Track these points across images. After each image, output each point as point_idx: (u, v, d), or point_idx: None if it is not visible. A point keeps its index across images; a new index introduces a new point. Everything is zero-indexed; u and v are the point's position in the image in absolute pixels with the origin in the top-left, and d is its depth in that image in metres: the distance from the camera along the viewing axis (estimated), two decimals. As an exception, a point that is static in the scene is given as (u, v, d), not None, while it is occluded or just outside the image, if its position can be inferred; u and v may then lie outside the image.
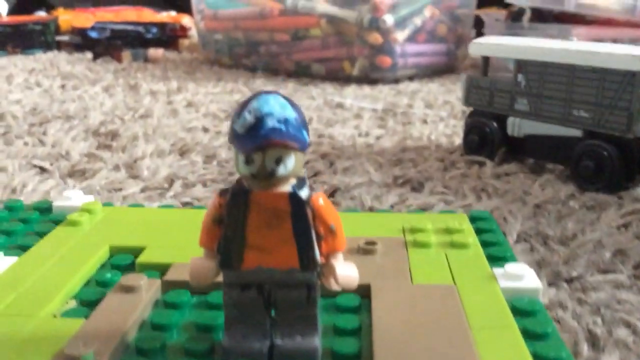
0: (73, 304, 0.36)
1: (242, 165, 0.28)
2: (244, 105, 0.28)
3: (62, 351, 0.29)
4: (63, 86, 1.28)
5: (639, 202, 0.59)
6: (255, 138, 0.27)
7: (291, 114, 0.28)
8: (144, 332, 0.33)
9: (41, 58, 1.73)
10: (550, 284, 0.44)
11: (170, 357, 0.31)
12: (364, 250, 0.42)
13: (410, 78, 1.44)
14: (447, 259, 0.41)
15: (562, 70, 0.67)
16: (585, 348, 0.35)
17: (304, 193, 0.29)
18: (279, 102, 0.28)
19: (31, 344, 0.31)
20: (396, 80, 1.40)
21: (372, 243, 0.42)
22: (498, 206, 0.58)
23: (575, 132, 0.67)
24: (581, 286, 0.43)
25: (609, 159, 0.63)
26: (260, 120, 0.27)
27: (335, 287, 0.30)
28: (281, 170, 0.28)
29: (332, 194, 0.63)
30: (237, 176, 0.30)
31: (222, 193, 0.30)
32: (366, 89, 1.30)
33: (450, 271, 0.39)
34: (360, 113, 1.05)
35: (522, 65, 0.70)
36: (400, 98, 1.20)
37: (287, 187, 0.29)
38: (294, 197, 0.29)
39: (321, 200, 0.30)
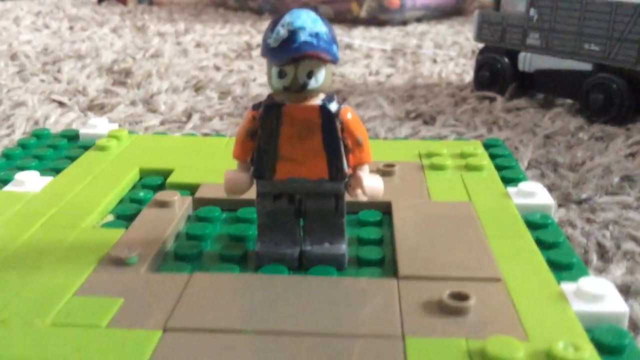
0: (110, 217, 0.38)
1: (276, 79, 0.30)
2: (277, 20, 0.29)
3: (108, 255, 0.32)
4: (71, 28, 1.28)
5: (646, 133, 0.61)
6: (289, 51, 0.28)
7: (322, 28, 0.29)
8: (180, 241, 0.35)
9: (46, 1, 1.72)
10: (560, 205, 0.46)
11: (207, 262, 0.33)
12: (383, 172, 0.43)
13: (418, 20, 1.43)
14: (462, 179, 0.43)
15: (573, 4, 0.67)
16: (594, 258, 0.37)
17: (333, 107, 0.31)
18: (310, 17, 0.29)
19: (77, 250, 0.33)
20: (404, 22, 1.40)
21: (391, 165, 0.44)
22: (509, 137, 0.60)
23: (586, 66, 0.68)
24: (590, 207, 0.45)
25: (618, 92, 0.64)
26: (293, 33, 0.28)
27: (361, 197, 0.32)
28: (312, 83, 0.29)
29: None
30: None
31: (256, 107, 0.31)
32: (374, 31, 1.30)
33: (466, 190, 0.41)
34: (369, 53, 1.06)
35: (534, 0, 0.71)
36: (408, 39, 1.20)
37: (317, 101, 0.30)
38: (324, 109, 0.30)
39: (349, 114, 0.31)
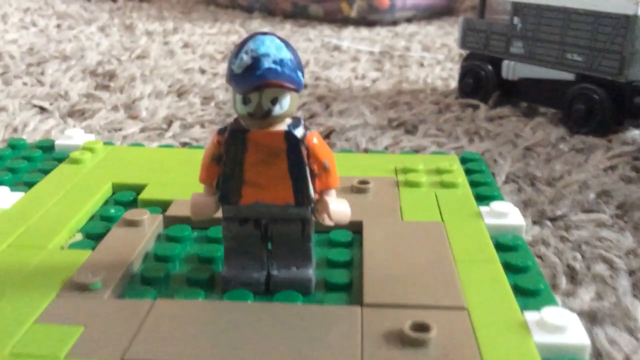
0: (79, 237, 0.38)
1: (240, 105, 0.29)
2: (241, 46, 0.29)
3: (71, 280, 0.31)
4: (59, 26, 1.27)
5: (627, 145, 0.61)
6: (252, 78, 0.28)
7: (286, 55, 0.29)
8: (148, 262, 0.35)
9: (35, -3, 1.70)
10: (535, 222, 0.46)
11: (174, 286, 0.33)
12: (357, 189, 0.43)
13: (409, 20, 1.43)
14: (436, 197, 0.43)
15: (557, 14, 0.67)
16: (563, 281, 0.37)
17: (299, 132, 0.30)
18: (274, 44, 0.29)
19: (42, 273, 0.32)
20: (394, 23, 1.39)
21: (365, 182, 0.44)
22: (489, 148, 0.60)
23: (568, 76, 0.67)
24: (564, 225, 0.45)
25: (600, 103, 0.64)
26: (256, 60, 0.28)
27: (328, 222, 0.32)
28: (277, 109, 0.29)
29: (327, 135, 0.64)
30: (234, 117, 0.31)
31: (221, 131, 0.31)
32: (364, 32, 1.30)
33: (439, 209, 0.41)
34: (357, 56, 1.06)
35: (518, 8, 0.71)
36: (397, 40, 1.20)
37: (282, 126, 0.30)
38: (289, 135, 0.30)
39: (315, 139, 0.31)
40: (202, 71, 0.91)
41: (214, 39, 1.17)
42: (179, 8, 1.57)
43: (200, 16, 1.45)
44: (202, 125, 0.66)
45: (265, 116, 0.29)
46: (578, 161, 0.57)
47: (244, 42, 0.29)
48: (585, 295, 0.36)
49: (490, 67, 0.74)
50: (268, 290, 0.33)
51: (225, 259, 0.33)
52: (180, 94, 0.78)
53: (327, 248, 0.37)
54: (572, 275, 0.38)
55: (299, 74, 0.29)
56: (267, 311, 0.30)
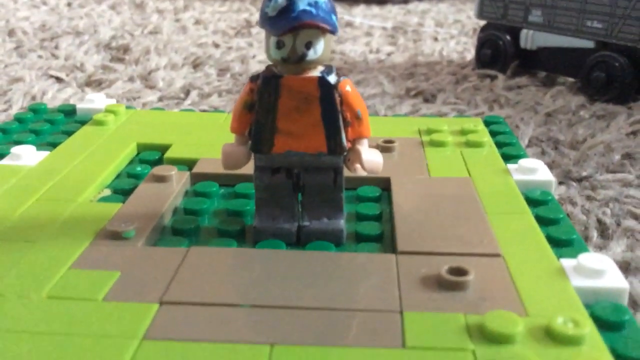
0: (107, 192, 0.37)
1: (274, 50, 0.29)
2: (275, -11, 0.29)
3: (104, 228, 0.31)
4: (69, 4, 1.26)
5: (648, 112, 0.60)
6: (287, 20, 0.28)
7: (321, -3, 0.28)
8: (178, 216, 0.35)
9: (43, -22, 1.70)
10: (560, 183, 0.45)
11: (204, 237, 0.33)
12: (383, 147, 0.43)
13: (420, -2, 1.42)
14: (462, 156, 0.42)
15: (577, -20, 0.66)
16: (595, 235, 0.37)
17: (332, 78, 0.30)
18: (309, -14, 0.28)
19: (74, 223, 0.32)
20: (405, 1, 1.38)
21: (390, 142, 0.43)
22: (510, 115, 0.59)
23: (588, 44, 0.67)
24: (590, 185, 0.45)
25: (620, 70, 0.64)
26: (291, 2, 0.28)
27: (360, 171, 0.32)
28: (311, 54, 0.29)
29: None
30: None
31: (254, 78, 0.31)
32: (375, 9, 1.29)
33: (466, 166, 0.41)
34: (370, 31, 1.05)
35: (537, -24, 0.70)
36: (410, 17, 1.19)
37: (316, 72, 0.30)
38: (322, 81, 0.30)
39: (348, 87, 0.31)
40: (216, 45, 0.90)
41: (225, 16, 1.17)
42: (188, -12, 1.55)
43: (210, -5, 1.44)
44: (220, 95, 0.66)
45: (299, 60, 0.29)
46: (600, 126, 0.57)
47: (279, -15, 0.29)
48: (617, 248, 0.35)
49: (508, 37, 0.74)
50: (299, 242, 0.32)
51: (257, 210, 0.33)
52: (196, 65, 0.78)
53: (356, 203, 0.37)
54: (603, 230, 0.38)
55: (334, 17, 0.29)
56: (302, 258, 0.30)
